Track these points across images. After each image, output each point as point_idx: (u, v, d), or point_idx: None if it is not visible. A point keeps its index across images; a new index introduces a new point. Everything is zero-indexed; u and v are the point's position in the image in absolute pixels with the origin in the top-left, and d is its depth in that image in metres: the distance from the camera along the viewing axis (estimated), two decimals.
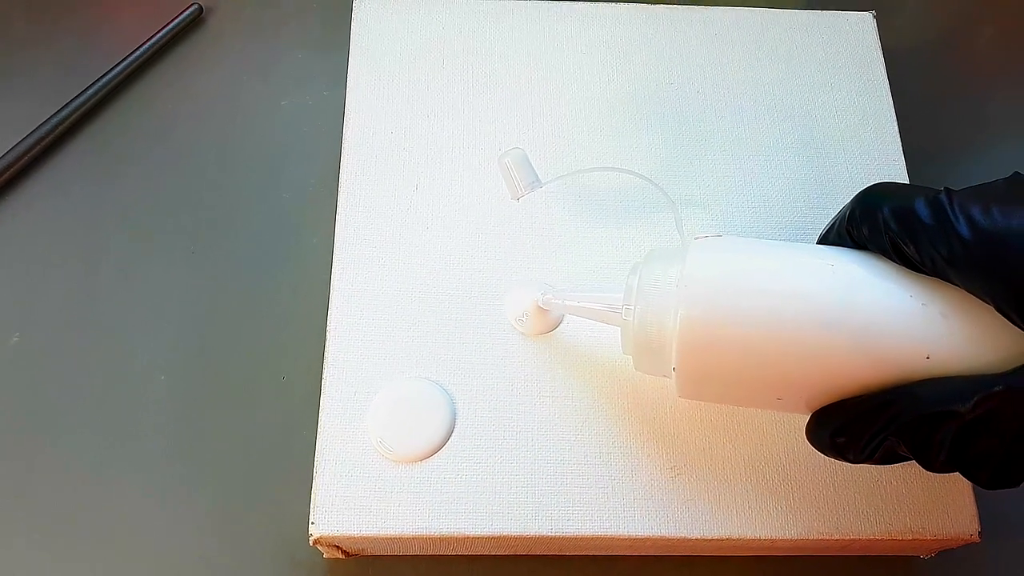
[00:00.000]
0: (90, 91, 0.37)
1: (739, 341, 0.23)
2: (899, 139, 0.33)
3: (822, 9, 0.36)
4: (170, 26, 0.39)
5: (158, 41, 0.39)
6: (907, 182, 0.33)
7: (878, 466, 0.27)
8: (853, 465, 0.24)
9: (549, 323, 0.29)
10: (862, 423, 0.22)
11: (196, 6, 0.40)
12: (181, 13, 0.39)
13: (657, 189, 0.30)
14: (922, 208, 0.22)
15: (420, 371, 0.29)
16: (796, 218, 0.32)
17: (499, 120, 0.33)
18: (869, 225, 0.23)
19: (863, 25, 0.36)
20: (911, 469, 0.28)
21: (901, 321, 0.22)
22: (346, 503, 0.27)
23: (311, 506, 0.27)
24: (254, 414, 0.32)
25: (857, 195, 0.24)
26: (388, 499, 0.27)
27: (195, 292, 0.34)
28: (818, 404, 0.23)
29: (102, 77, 0.38)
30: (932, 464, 0.22)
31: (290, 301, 0.34)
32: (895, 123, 0.34)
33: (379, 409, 0.28)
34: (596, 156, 0.33)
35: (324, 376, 0.29)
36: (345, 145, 0.32)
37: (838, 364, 0.22)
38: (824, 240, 0.26)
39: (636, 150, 0.33)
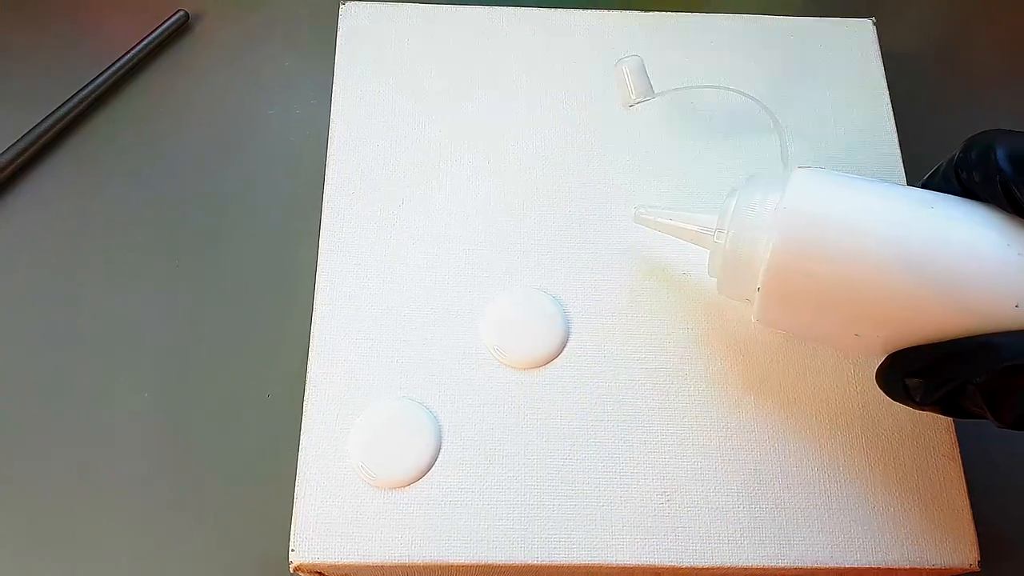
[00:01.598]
0: (73, 100, 0.37)
1: (827, 274, 0.23)
2: (898, 146, 0.33)
3: (822, 16, 0.35)
4: (155, 33, 0.38)
5: (143, 49, 0.38)
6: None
7: (879, 489, 0.27)
8: (855, 497, 0.24)
9: None
10: (939, 368, 0.22)
11: (182, 13, 0.39)
12: (167, 20, 0.39)
13: (767, 113, 0.30)
14: None
15: (405, 392, 0.28)
16: None
17: (488, 132, 0.32)
18: (980, 169, 0.23)
19: (863, 32, 0.35)
20: (909, 497, 0.27)
21: (992, 268, 0.22)
22: (327, 530, 0.26)
23: (291, 532, 0.26)
24: (239, 432, 0.32)
25: (967, 139, 0.24)
26: (370, 526, 0.26)
27: (180, 306, 0.34)
28: (895, 346, 0.23)
29: (86, 86, 0.37)
30: (1004, 418, 0.21)
31: (276, 316, 0.34)
32: (894, 130, 0.33)
33: (361, 432, 0.27)
34: (590, 169, 0.32)
35: (306, 397, 0.28)
36: (329, 158, 0.32)
37: (922, 307, 0.22)
38: (927, 184, 0.25)
39: (629, 162, 0.32)
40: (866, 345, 0.24)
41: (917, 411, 0.27)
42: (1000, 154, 0.22)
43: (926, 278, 0.22)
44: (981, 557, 0.27)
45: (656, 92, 0.30)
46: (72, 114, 0.37)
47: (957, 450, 0.28)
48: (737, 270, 0.25)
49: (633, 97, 0.30)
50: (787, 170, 0.28)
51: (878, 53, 0.35)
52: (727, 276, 0.26)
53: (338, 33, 0.34)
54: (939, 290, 0.22)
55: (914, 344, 0.23)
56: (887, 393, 0.24)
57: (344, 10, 0.34)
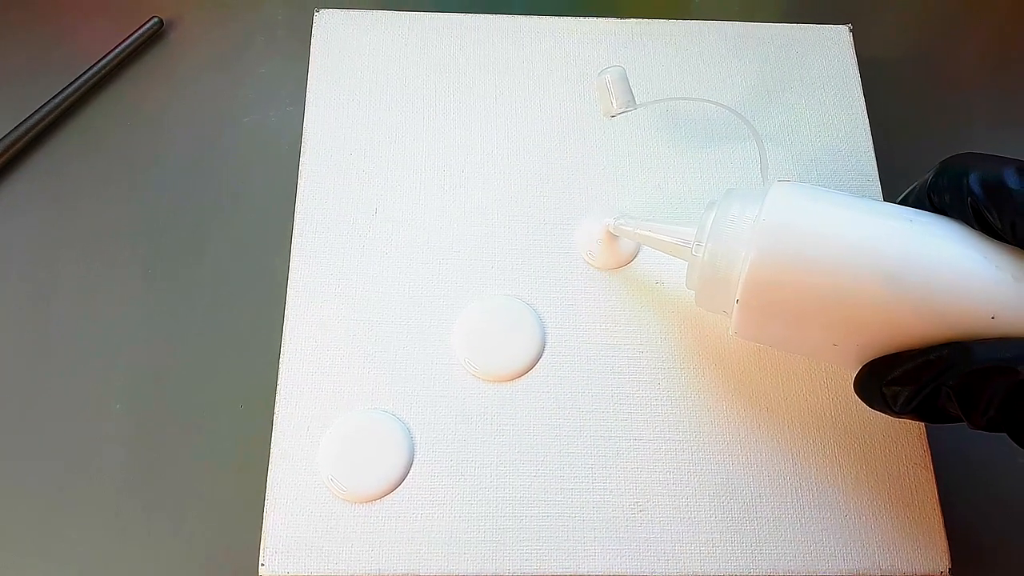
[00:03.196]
0: (45, 109, 0.36)
1: (805, 287, 0.23)
2: (873, 153, 0.33)
3: (798, 23, 0.35)
4: (129, 41, 0.38)
5: (116, 57, 0.38)
6: (880, 195, 0.32)
7: (851, 497, 0.27)
8: (827, 506, 0.24)
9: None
10: (915, 373, 0.22)
11: (156, 20, 0.39)
12: (140, 27, 0.38)
13: (746, 125, 0.31)
14: (1011, 177, 0.22)
15: (376, 404, 0.28)
16: None
17: (463, 140, 0.32)
18: (952, 192, 0.23)
19: (839, 39, 0.35)
20: (881, 505, 0.27)
21: (969, 280, 0.22)
22: (297, 543, 0.26)
23: (261, 546, 0.26)
24: (211, 443, 0.32)
25: (941, 163, 0.24)
26: (341, 539, 0.26)
27: (152, 316, 0.34)
28: (873, 355, 0.24)
29: (58, 95, 0.37)
30: (977, 420, 0.22)
31: (250, 326, 0.33)
32: (869, 137, 0.33)
33: (330, 445, 0.27)
34: (564, 177, 0.32)
35: (276, 409, 0.28)
36: (302, 167, 0.31)
37: (900, 319, 0.23)
38: (902, 204, 0.26)
39: (605, 170, 0.32)
40: (844, 355, 0.24)
41: (890, 418, 0.28)
42: (972, 179, 0.23)
43: (905, 290, 0.23)
44: (952, 564, 0.27)
45: (638, 103, 0.30)
46: (44, 123, 0.36)
47: (929, 457, 0.28)
48: (715, 283, 0.25)
49: (615, 107, 0.30)
50: (766, 183, 0.29)
51: (854, 59, 0.35)
52: (705, 289, 0.26)
53: (312, 40, 0.34)
54: (918, 301, 0.22)
55: (891, 351, 0.23)
56: (865, 402, 0.24)
57: (318, 17, 0.34)
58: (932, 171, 0.25)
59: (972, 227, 0.23)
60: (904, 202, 0.26)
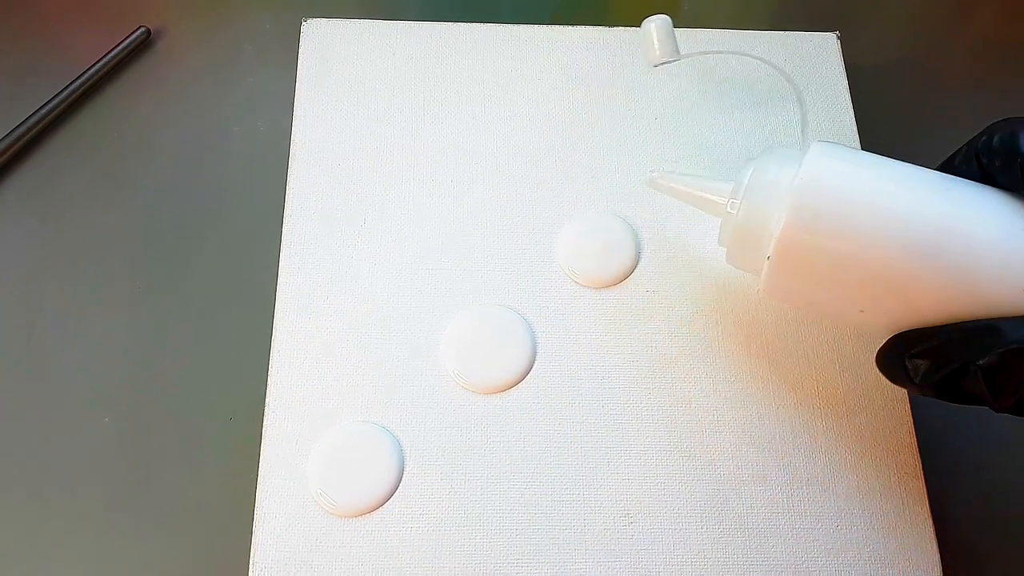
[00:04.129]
0: (31, 120, 0.36)
1: (836, 250, 0.23)
2: None
3: (786, 31, 0.35)
4: (116, 51, 0.38)
5: (103, 67, 0.37)
6: None
7: (842, 508, 0.27)
8: (819, 518, 0.24)
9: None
10: (942, 350, 0.22)
11: (143, 29, 0.38)
12: (128, 37, 0.38)
13: (790, 85, 0.31)
14: None
15: (366, 416, 0.28)
16: None
17: (451, 149, 0.32)
18: (1003, 154, 0.23)
19: (826, 46, 0.35)
20: (872, 516, 0.27)
21: (1002, 253, 0.22)
22: (287, 559, 0.26)
23: (250, 561, 0.26)
24: (201, 456, 0.31)
25: (989, 126, 0.24)
26: (331, 555, 0.26)
27: (140, 328, 0.33)
28: (899, 327, 0.24)
29: (44, 105, 0.36)
30: (1004, 401, 0.21)
31: (239, 337, 0.33)
32: (858, 143, 0.33)
33: (319, 459, 0.27)
34: (554, 185, 0.32)
35: (264, 423, 0.28)
36: (290, 178, 0.31)
37: (930, 290, 0.22)
38: (944, 167, 0.26)
39: (595, 179, 0.32)
40: (870, 323, 0.24)
41: (881, 428, 0.28)
42: (1023, 140, 0.23)
43: (938, 264, 0.22)
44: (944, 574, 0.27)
45: (682, 54, 0.30)
46: (31, 134, 0.36)
47: (920, 468, 0.28)
48: (747, 241, 0.25)
49: (659, 56, 0.30)
50: (805, 144, 0.28)
51: (842, 67, 0.35)
52: (736, 246, 0.26)
53: (299, 50, 0.34)
54: (948, 274, 0.22)
55: (919, 325, 0.23)
56: (886, 374, 0.24)
57: (306, 27, 0.34)
58: (981, 134, 0.24)
59: (1018, 193, 0.23)
60: (949, 164, 0.25)
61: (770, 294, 0.26)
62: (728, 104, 0.34)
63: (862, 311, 0.24)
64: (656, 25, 0.29)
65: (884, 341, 0.24)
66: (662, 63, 0.30)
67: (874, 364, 0.29)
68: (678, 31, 0.35)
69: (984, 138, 0.24)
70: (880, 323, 0.24)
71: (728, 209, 0.26)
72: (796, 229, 0.24)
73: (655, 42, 0.30)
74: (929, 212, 0.23)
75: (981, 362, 0.21)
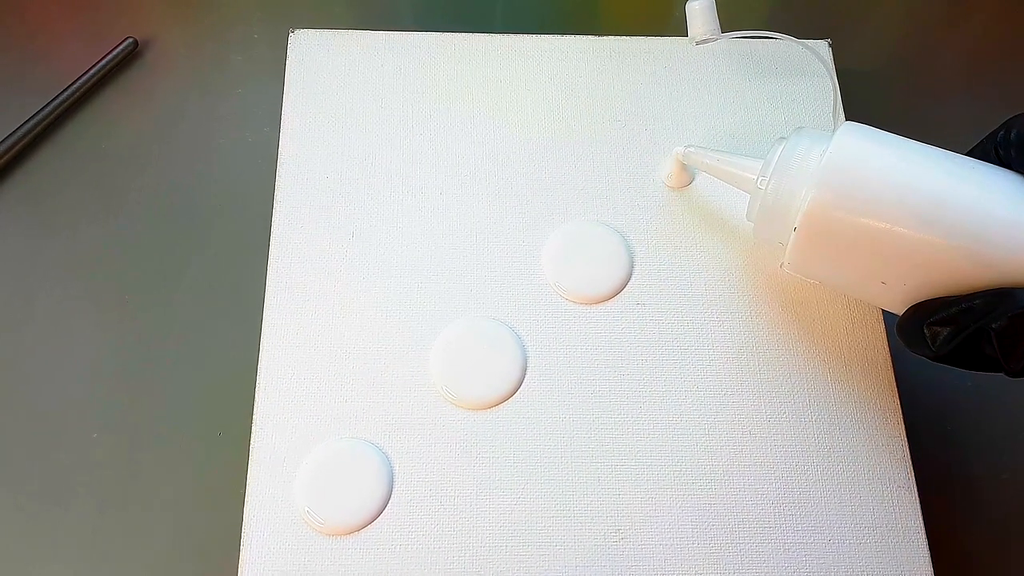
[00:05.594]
0: (18, 133, 0.36)
1: (862, 227, 0.24)
2: None
3: (778, 38, 0.35)
4: (104, 62, 0.37)
5: (91, 79, 0.37)
6: None
7: (834, 521, 0.27)
8: (801, 521, 0.25)
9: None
10: (958, 316, 0.23)
11: (131, 40, 0.38)
12: (115, 48, 0.38)
13: (824, 68, 0.32)
14: None
15: (355, 432, 0.28)
16: None
17: (441, 161, 0.32)
18: (1017, 147, 0.24)
19: (818, 53, 0.35)
20: (865, 529, 0.27)
21: (1020, 230, 0.23)
22: None
23: None
24: (190, 471, 0.31)
25: (1007, 120, 0.25)
26: (319, 574, 0.26)
27: (129, 343, 0.33)
28: (920, 297, 0.24)
29: (31, 118, 0.36)
30: (1014, 364, 0.22)
31: (227, 351, 0.33)
32: None
33: (307, 476, 0.27)
34: (544, 198, 0.31)
35: (252, 440, 0.27)
36: (278, 190, 0.31)
37: (951, 267, 0.24)
38: (971, 155, 0.26)
39: (586, 190, 0.32)
40: (891, 295, 0.25)
41: (873, 441, 0.27)
42: None
43: (959, 242, 0.23)
44: None
45: (723, 34, 0.31)
46: (18, 146, 0.36)
47: (913, 480, 0.28)
48: (775, 216, 0.26)
49: (700, 35, 0.31)
50: (836, 124, 0.30)
51: (834, 74, 0.35)
52: (764, 220, 0.27)
53: (287, 62, 0.33)
54: (971, 253, 0.23)
55: (937, 295, 0.24)
56: (905, 342, 0.25)
57: (293, 38, 0.34)
58: (999, 128, 0.25)
59: None
60: (973, 152, 0.26)
61: (794, 266, 0.27)
62: (721, 113, 0.33)
63: (883, 283, 0.25)
64: (699, 5, 0.31)
65: (903, 312, 0.25)
66: (703, 41, 0.31)
67: (865, 378, 0.29)
68: (673, 38, 0.35)
69: (1002, 132, 0.25)
70: (900, 294, 0.25)
71: (758, 184, 0.27)
72: (823, 204, 0.25)
73: (697, 20, 0.31)
74: (951, 191, 0.24)
75: (994, 326, 0.22)
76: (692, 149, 0.30)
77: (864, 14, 0.42)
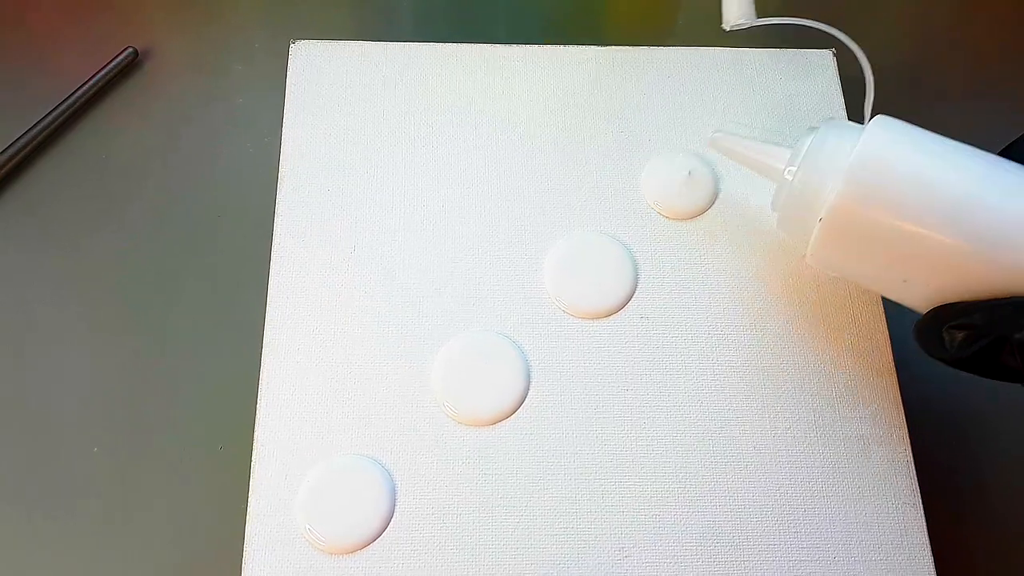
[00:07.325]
0: (18, 144, 0.36)
1: (887, 224, 0.24)
2: None
3: (782, 48, 0.35)
4: (104, 72, 0.37)
5: (91, 88, 0.37)
6: None
7: (839, 540, 0.27)
8: (805, 539, 0.24)
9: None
10: (980, 321, 0.23)
11: (131, 50, 0.38)
12: (115, 58, 0.38)
13: (859, 60, 0.31)
14: None
15: (357, 448, 0.27)
16: None
17: (443, 174, 0.32)
18: None
19: (823, 63, 0.35)
20: (870, 545, 0.27)
21: None
22: None
23: None
24: (191, 486, 0.31)
25: None
26: None
27: (129, 357, 0.33)
28: (942, 300, 0.24)
29: (30, 128, 0.36)
30: None
31: (229, 365, 0.33)
32: None
33: (309, 493, 0.26)
34: (547, 211, 0.31)
35: (253, 457, 0.27)
36: (278, 205, 0.31)
37: (976, 271, 0.23)
38: (1003, 153, 0.26)
39: (590, 201, 0.31)
40: (912, 294, 0.25)
41: (878, 457, 0.27)
42: None
43: (986, 247, 0.23)
44: None
45: (758, 20, 0.31)
46: (18, 157, 0.36)
47: (918, 495, 0.27)
48: (800, 208, 0.26)
49: (732, 20, 0.31)
50: (867, 118, 0.29)
51: (839, 84, 0.34)
52: (789, 211, 0.27)
53: (288, 73, 0.33)
54: (998, 259, 0.23)
55: (960, 299, 0.24)
56: (922, 346, 0.25)
57: (294, 49, 0.34)
58: None
59: None
60: (1006, 152, 0.26)
61: (817, 259, 0.26)
62: (725, 122, 0.33)
63: (905, 281, 0.25)
64: None
65: (923, 313, 0.25)
66: (735, 27, 0.31)
67: (870, 392, 0.29)
68: (672, 48, 0.35)
69: None
70: (922, 295, 0.25)
71: (785, 175, 0.27)
72: (850, 198, 0.24)
73: (732, 4, 0.31)
74: (979, 193, 0.24)
75: (1018, 335, 0.22)
76: (720, 135, 0.30)
77: (869, 23, 0.42)
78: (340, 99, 0.33)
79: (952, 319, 0.24)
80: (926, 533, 0.27)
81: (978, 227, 0.23)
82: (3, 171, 0.35)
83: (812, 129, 0.27)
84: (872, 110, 0.32)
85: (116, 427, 0.32)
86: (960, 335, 0.23)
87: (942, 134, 0.26)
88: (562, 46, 0.34)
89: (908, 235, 0.24)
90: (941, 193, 0.24)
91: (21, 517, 0.30)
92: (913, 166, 0.24)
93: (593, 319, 0.29)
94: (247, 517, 0.26)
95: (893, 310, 0.30)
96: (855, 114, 0.34)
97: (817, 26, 0.31)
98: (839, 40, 0.31)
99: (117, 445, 0.31)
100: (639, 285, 0.30)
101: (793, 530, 0.27)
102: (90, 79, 0.37)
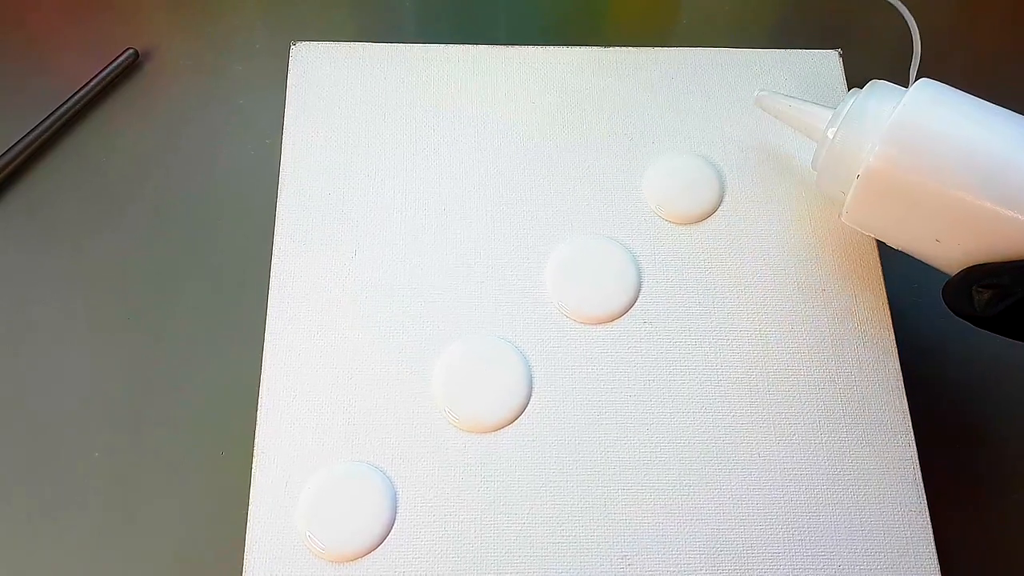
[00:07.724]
0: (18, 146, 0.35)
1: (923, 186, 0.25)
2: None
3: (787, 48, 0.35)
4: (104, 73, 0.37)
5: (91, 90, 0.37)
6: None
7: (844, 548, 0.27)
8: (810, 547, 0.24)
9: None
10: (1009, 281, 0.23)
11: (132, 51, 0.38)
12: (116, 59, 0.37)
13: (907, 22, 0.32)
14: None
15: (358, 455, 0.27)
16: None
17: (445, 176, 0.31)
18: None
19: (828, 63, 0.35)
20: (876, 555, 0.26)
21: None
22: None
23: None
24: (192, 492, 0.31)
25: None
26: None
27: (130, 361, 0.33)
28: (973, 260, 0.25)
29: (31, 131, 0.36)
30: None
31: (231, 370, 0.33)
32: None
33: (309, 501, 0.26)
34: (550, 213, 0.31)
35: (254, 464, 0.27)
36: (279, 207, 0.31)
37: (1009, 233, 0.24)
38: None
39: (591, 206, 0.31)
40: (944, 254, 0.25)
41: (883, 465, 0.27)
42: None
43: (1017, 206, 0.23)
44: None
45: None
46: (19, 159, 0.36)
47: (925, 504, 0.27)
48: (839, 166, 0.27)
49: None
50: (912, 80, 0.30)
51: (844, 84, 0.34)
52: (828, 169, 0.27)
53: (288, 76, 0.33)
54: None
55: (991, 260, 0.24)
56: (950, 305, 0.25)
57: (295, 51, 0.33)
58: None
59: None
60: None
61: (852, 217, 0.27)
62: (728, 124, 0.33)
63: (938, 241, 0.25)
64: None
65: (954, 273, 0.25)
66: None
67: (876, 400, 0.28)
68: (674, 49, 0.34)
69: None
70: (954, 255, 0.25)
71: (827, 134, 0.27)
72: (887, 158, 0.25)
73: None
74: (1018, 157, 0.24)
75: None
76: (765, 94, 0.30)
77: (874, 23, 0.41)
78: (340, 102, 0.32)
79: (982, 279, 0.24)
80: (933, 543, 0.27)
81: (1012, 190, 0.24)
82: (4, 172, 0.35)
83: (855, 90, 0.27)
84: (917, 73, 0.32)
85: (116, 428, 0.32)
86: (987, 294, 0.24)
87: (987, 99, 0.26)
88: (563, 47, 0.34)
89: (942, 196, 0.24)
90: (977, 156, 0.24)
91: (21, 517, 0.30)
92: (951, 128, 0.25)
93: (596, 324, 0.29)
94: (247, 524, 0.26)
95: (900, 319, 0.30)
96: (900, 78, 0.33)
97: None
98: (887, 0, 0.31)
99: (117, 447, 0.31)
100: (642, 290, 0.30)
101: (798, 538, 0.27)
102: (90, 80, 0.37)
